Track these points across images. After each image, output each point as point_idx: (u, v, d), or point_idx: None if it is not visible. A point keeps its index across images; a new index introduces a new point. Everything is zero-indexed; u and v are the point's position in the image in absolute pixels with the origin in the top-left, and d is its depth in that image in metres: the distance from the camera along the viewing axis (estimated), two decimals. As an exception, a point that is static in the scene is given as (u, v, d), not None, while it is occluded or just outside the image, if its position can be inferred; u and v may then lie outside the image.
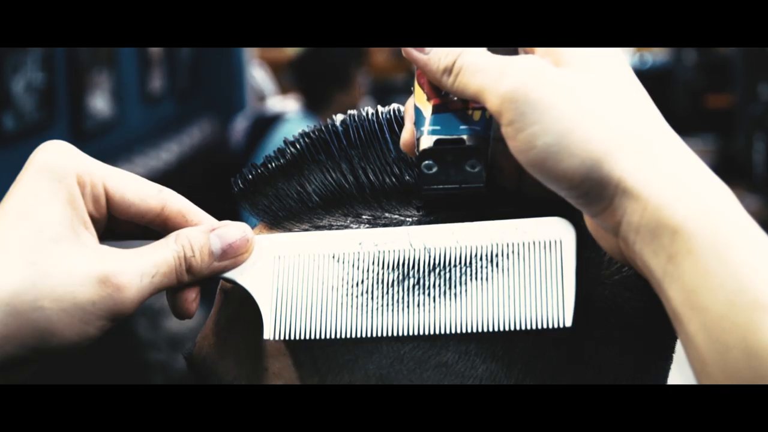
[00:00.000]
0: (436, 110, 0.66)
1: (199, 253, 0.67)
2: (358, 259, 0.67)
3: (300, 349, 0.67)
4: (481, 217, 0.67)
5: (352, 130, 0.71)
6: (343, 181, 0.69)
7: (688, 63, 8.39)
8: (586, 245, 0.66)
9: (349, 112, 0.73)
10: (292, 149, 0.72)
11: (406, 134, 0.67)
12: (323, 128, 0.72)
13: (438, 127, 0.66)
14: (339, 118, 0.72)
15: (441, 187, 0.66)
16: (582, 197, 0.60)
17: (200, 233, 0.67)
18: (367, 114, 0.71)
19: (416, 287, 0.65)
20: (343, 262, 0.67)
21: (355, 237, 0.67)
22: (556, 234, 0.65)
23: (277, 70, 6.53)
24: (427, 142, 0.65)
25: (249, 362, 0.69)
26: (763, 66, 6.62)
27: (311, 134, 0.72)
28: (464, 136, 0.65)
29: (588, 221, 0.64)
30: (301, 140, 0.72)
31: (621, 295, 0.67)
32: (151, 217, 0.68)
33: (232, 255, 0.67)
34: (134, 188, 0.67)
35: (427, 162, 0.65)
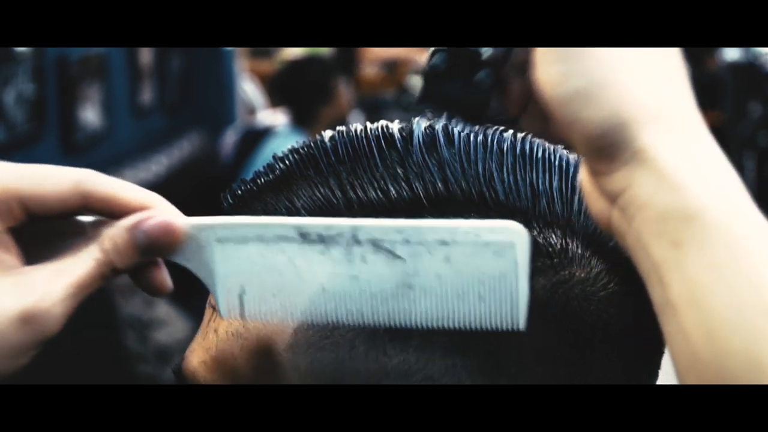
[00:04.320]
0: None
1: (123, 254, 0.64)
2: (303, 247, 0.64)
3: (287, 364, 0.68)
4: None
5: (341, 146, 0.70)
6: (331, 197, 0.69)
7: (677, 80, 8.41)
8: (571, 263, 0.66)
9: (338, 128, 0.72)
10: (281, 165, 0.72)
11: None
12: (312, 144, 0.72)
13: None
14: (328, 134, 0.72)
15: (444, 87, 0.66)
16: (593, 151, 0.59)
17: (123, 232, 0.64)
18: (356, 130, 0.71)
19: (360, 280, 0.64)
20: (289, 246, 0.65)
21: (298, 224, 0.65)
22: (508, 237, 0.63)
23: (267, 83, 6.54)
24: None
25: (237, 375, 0.69)
26: (753, 84, 6.64)
27: (300, 150, 0.72)
28: (481, 50, 0.65)
29: (584, 177, 0.62)
30: (290, 156, 0.72)
31: (606, 311, 0.67)
32: (76, 211, 0.66)
33: (157, 250, 0.65)
34: (51, 191, 0.64)
35: (439, 56, 0.65)
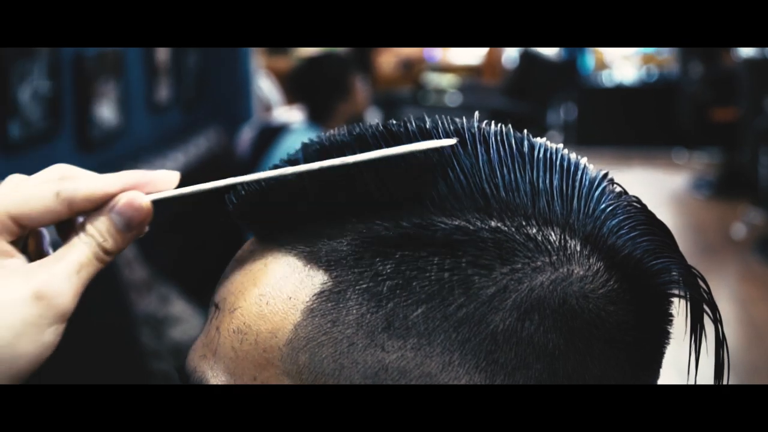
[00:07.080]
0: None
1: (108, 236, 0.71)
2: None
3: (287, 359, 0.68)
4: None
5: (351, 142, 0.71)
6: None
7: (694, 76, 8.40)
8: (570, 260, 0.66)
9: (352, 124, 0.73)
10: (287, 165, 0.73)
11: None
12: (320, 142, 0.72)
13: None
14: (338, 130, 0.73)
15: None
16: None
17: (102, 218, 0.71)
18: (363, 126, 0.71)
19: None
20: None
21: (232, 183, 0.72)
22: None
23: (284, 80, 6.55)
24: None
25: (237, 372, 0.70)
26: (770, 80, 6.63)
27: (309, 147, 0.73)
28: None
29: None
30: (297, 156, 0.73)
31: (605, 308, 0.66)
32: (64, 218, 0.72)
33: (135, 225, 0.72)
34: (36, 208, 0.70)
35: None
